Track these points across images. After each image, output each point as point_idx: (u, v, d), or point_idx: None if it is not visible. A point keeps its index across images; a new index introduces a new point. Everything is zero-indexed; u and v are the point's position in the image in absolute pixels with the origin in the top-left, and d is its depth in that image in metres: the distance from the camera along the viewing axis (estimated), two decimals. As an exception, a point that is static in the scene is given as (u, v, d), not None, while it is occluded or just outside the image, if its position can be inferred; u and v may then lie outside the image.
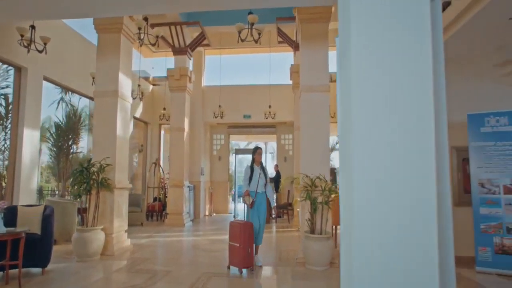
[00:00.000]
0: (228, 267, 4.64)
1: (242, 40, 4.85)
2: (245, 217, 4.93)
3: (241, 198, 5.17)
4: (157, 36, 5.30)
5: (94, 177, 5.14)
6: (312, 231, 4.93)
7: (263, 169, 5.15)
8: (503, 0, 3.67)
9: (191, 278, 4.22)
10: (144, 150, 12.07)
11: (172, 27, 9.33)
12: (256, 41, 4.88)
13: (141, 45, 5.35)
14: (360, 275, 1.54)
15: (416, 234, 1.46)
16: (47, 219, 4.23)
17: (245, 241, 4.41)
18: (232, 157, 14.31)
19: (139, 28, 4.80)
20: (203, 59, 12.31)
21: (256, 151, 5.11)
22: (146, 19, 5.19)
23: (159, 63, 12.80)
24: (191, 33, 10.26)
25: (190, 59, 10.43)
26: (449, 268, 1.81)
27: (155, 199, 11.05)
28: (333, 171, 10.95)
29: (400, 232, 1.49)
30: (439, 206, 1.87)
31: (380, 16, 1.54)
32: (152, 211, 10.67)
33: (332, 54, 10.52)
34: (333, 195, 5.79)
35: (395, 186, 1.50)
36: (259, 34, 4.86)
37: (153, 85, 12.57)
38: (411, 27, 1.50)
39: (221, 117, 11.26)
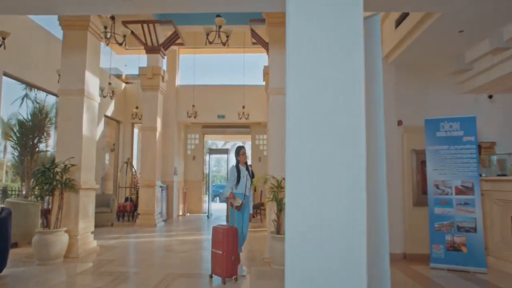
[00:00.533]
0: (211, 276, 4.25)
1: (210, 42, 4.90)
2: (231, 221, 4.53)
3: (226, 201, 4.91)
4: (124, 36, 5.24)
5: (57, 177, 5.03)
6: (278, 231, 5.05)
7: (248, 170, 4.87)
8: (451, 15, 3.92)
9: (155, 279, 4.23)
10: (116, 149, 11.84)
11: (145, 25, 9.22)
12: (224, 44, 4.94)
13: (107, 44, 5.28)
14: (297, 274, 1.65)
15: (346, 235, 1.59)
16: (2, 222, 4.11)
17: (229, 248, 4.06)
18: (207, 157, 14.29)
19: (105, 27, 4.72)
20: (177, 58, 12.22)
21: (240, 151, 4.80)
22: (113, 18, 5.12)
23: (132, 61, 12.59)
24: (164, 32, 10.17)
25: (164, 58, 10.34)
26: (384, 267, 1.95)
27: (126, 199, 10.88)
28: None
29: (331, 233, 1.60)
30: (374, 209, 2.02)
31: (316, 36, 1.65)
32: (123, 211, 10.50)
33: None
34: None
35: (326, 189, 1.62)
36: (227, 36, 4.92)
37: (126, 83, 12.35)
38: (344, 44, 1.63)
39: (195, 117, 11.23)
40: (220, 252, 4.06)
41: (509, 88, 5.50)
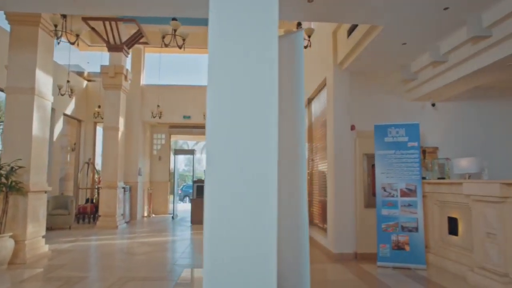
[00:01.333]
0: None
1: (166, 45, 4.89)
2: None
3: None
4: (77, 35, 5.11)
5: (2, 180, 4.83)
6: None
7: None
8: (392, 28, 4.17)
9: (104, 283, 4.18)
10: (77, 149, 11.46)
11: (107, 23, 8.99)
12: (180, 47, 4.94)
13: (58, 43, 5.12)
14: (212, 273, 1.71)
15: (257, 238, 1.67)
16: None
17: None
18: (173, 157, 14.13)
19: (55, 25, 4.58)
20: (143, 57, 12.00)
21: None
22: (64, 15, 4.98)
23: (96, 58, 12.25)
24: (128, 30, 9.97)
25: (127, 57, 10.13)
26: (304, 267, 2.07)
27: (87, 201, 10.56)
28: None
29: (243, 236, 1.68)
30: (296, 213, 2.13)
31: (233, 50, 1.74)
32: (83, 213, 10.18)
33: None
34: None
35: (241, 193, 1.70)
36: (184, 40, 4.93)
37: (88, 80, 11.98)
38: (260, 56, 1.72)
39: (159, 117, 11.10)
40: None
41: (450, 97, 5.91)
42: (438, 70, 4.99)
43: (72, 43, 5.02)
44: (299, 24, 4.92)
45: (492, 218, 4.05)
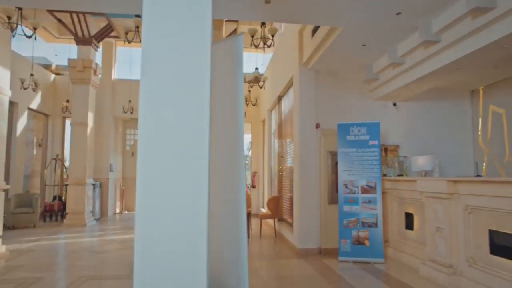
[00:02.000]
0: None
1: (129, 42, 4.81)
2: None
3: None
4: (34, 28, 4.94)
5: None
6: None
7: None
8: (352, 30, 4.28)
9: (61, 284, 4.12)
10: (44, 145, 11.09)
11: (74, 15, 8.71)
12: (143, 44, 4.86)
13: (13, 36, 4.92)
14: (145, 272, 1.73)
15: (188, 236, 1.70)
16: None
17: None
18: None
19: (9, 18, 4.38)
20: (114, 51, 11.71)
21: None
22: (20, 8, 4.79)
23: (64, 50, 11.83)
24: (98, 23, 9.69)
25: (96, 51, 9.86)
26: (243, 264, 2.13)
27: (54, 198, 10.27)
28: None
29: (174, 233, 1.71)
30: (235, 213, 2.18)
31: (166, 50, 1.75)
32: (50, 211, 9.90)
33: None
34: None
35: (172, 192, 1.72)
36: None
37: (56, 74, 11.58)
38: (193, 59, 1.74)
39: (131, 113, 10.91)
40: None
41: (409, 97, 6.13)
42: (396, 71, 5.17)
43: (29, 37, 4.84)
44: (263, 24, 4.96)
45: (441, 213, 4.28)
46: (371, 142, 5.42)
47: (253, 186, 11.95)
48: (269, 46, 5.05)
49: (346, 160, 5.50)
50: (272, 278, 4.55)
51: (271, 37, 4.83)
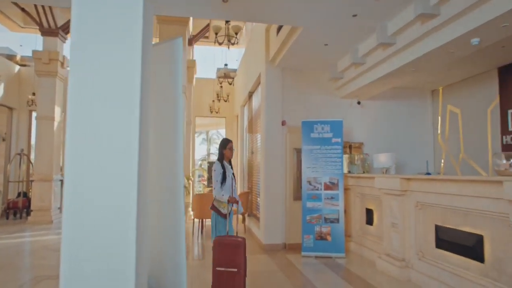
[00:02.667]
0: None
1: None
2: (216, 232, 3.77)
3: (223, 208, 3.71)
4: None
5: None
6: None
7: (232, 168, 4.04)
8: (312, 30, 4.35)
9: (13, 285, 4.02)
10: (8, 139, 10.68)
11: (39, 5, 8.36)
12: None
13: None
14: (72, 271, 1.72)
15: (115, 235, 1.70)
16: None
17: (244, 264, 3.27)
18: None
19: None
20: (83, 43, 11.33)
21: (227, 145, 3.89)
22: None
23: (30, 41, 11.38)
24: (65, 14, 9.36)
25: (64, 42, 9.53)
26: (180, 260, 2.16)
27: (19, 195, 9.94)
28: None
29: (102, 232, 1.71)
30: (173, 208, 2.20)
31: (97, 56, 1.74)
32: (14, 208, 9.57)
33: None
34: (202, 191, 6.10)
35: (99, 193, 1.72)
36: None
37: (21, 65, 11.13)
38: (123, 61, 1.74)
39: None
40: (235, 270, 3.23)
41: (373, 96, 6.30)
42: (359, 71, 5.29)
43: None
44: (227, 21, 4.95)
45: (396, 209, 4.45)
46: (334, 140, 5.55)
47: (227, 182, 11.97)
48: (233, 44, 5.05)
49: (310, 157, 5.60)
50: (233, 273, 4.60)
51: (235, 35, 4.84)
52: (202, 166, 11.66)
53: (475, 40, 3.39)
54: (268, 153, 6.03)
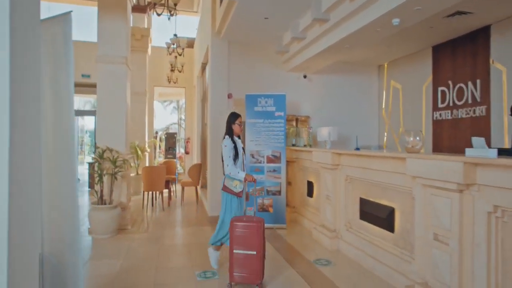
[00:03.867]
0: (230, 284, 3.23)
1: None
2: (229, 211, 3.65)
3: (236, 186, 3.57)
4: None
5: None
6: (101, 202, 5.08)
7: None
8: (248, 4, 4.20)
9: None
10: None
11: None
12: None
13: None
14: None
15: None
16: None
17: (263, 246, 3.22)
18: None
19: None
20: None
21: (236, 119, 3.69)
22: None
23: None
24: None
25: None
26: (75, 237, 2.14)
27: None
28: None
29: None
30: (66, 184, 2.14)
31: None
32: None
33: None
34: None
35: None
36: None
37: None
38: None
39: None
40: (254, 253, 3.15)
41: (320, 70, 6.33)
42: (301, 45, 5.25)
43: None
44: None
45: (329, 182, 4.63)
46: (277, 113, 5.58)
47: (187, 152, 11.94)
48: (172, 15, 4.81)
49: (253, 130, 5.63)
50: (169, 245, 4.67)
51: (174, 7, 4.59)
52: (163, 136, 11.47)
53: (395, 21, 3.44)
54: (213, 126, 6.00)
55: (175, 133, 11.35)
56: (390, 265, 3.42)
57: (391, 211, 3.52)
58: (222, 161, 3.68)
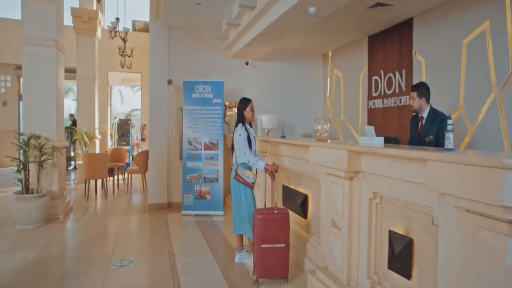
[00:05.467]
0: (257, 281, 3.08)
1: None
2: (247, 203, 3.52)
3: (249, 177, 3.45)
4: None
5: None
6: (26, 191, 4.87)
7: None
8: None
9: None
10: None
11: None
12: None
13: None
14: None
15: None
16: None
17: (289, 238, 3.15)
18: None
19: None
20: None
21: (248, 105, 3.54)
22: None
23: None
24: None
25: None
26: None
27: None
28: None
29: None
30: None
31: None
32: None
33: None
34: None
35: None
36: None
37: None
38: None
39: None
40: (283, 245, 3.07)
41: (264, 57, 6.29)
42: (236, 32, 5.17)
43: None
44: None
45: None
46: (215, 100, 5.52)
47: (143, 139, 11.69)
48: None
49: (190, 117, 5.55)
50: (96, 234, 4.57)
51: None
52: (115, 123, 11.12)
53: (312, 9, 3.43)
54: (153, 112, 5.88)
55: (129, 120, 11.02)
56: (303, 250, 3.51)
57: (305, 198, 3.59)
58: (232, 149, 3.60)
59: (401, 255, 2.19)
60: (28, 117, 5.17)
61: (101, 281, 3.15)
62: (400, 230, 2.24)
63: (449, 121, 1.95)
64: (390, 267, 2.30)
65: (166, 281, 3.18)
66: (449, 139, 1.93)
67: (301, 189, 3.71)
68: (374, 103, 5.54)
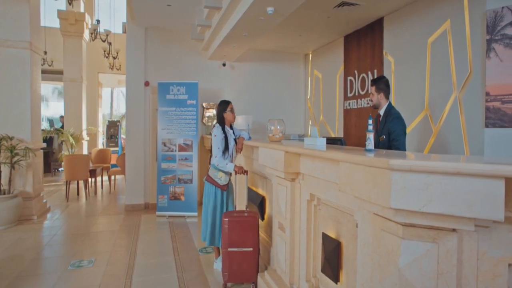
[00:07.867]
0: (225, 285, 3.08)
1: None
2: (218, 206, 3.42)
3: (220, 178, 3.39)
4: None
5: None
6: (-2, 191, 4.90)
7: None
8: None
9: None
10: None
11: None
12: None
13: None
14: None
15: None
16: None
17: (258, 242, 3.08)
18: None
19: None
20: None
21: (228, 107, 3.48)
22: None
23: None
24: None
25: None
26: None
27: None
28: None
29: None
30: None
31: None
32: None
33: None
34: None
35: None
36: None
37: None
38: None
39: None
40: (250, 249, 3.01)
41: (242, 58, 6.27)
42: (210, 33, 5.16)
43: None
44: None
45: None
46: (189, 102, 5.52)
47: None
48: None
49: (165, 119, 5.55)
50: (64, 235, 4.57)
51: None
52: (106, 124, 11.16)
53: (270, 9, 3.40)
54: (130, 114, 5.88)
55: (118, 121, 11.05)
56: (262, 253, 3.47)
57: (262, 200, 3.56)
58: (211, 151, 3.51)
59: (330, 259, 2.16)
60: (1, 118, 5.19)
61: (54, 282, 3.15)
62: (331, 233, 2.21)
63: (369, 121, 1.92)
64: (323, 270, 2.26)
65: (119, 281, 3.17)
66: (369, 139, 1.90)
67: (260, 191, 3.68)
68: (349, 103, 5.49)
